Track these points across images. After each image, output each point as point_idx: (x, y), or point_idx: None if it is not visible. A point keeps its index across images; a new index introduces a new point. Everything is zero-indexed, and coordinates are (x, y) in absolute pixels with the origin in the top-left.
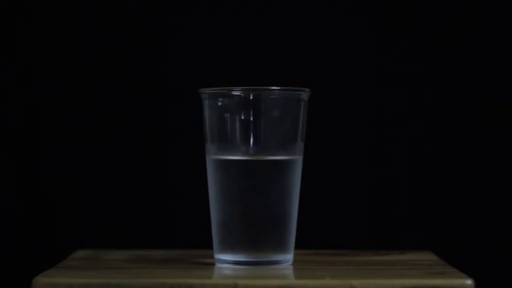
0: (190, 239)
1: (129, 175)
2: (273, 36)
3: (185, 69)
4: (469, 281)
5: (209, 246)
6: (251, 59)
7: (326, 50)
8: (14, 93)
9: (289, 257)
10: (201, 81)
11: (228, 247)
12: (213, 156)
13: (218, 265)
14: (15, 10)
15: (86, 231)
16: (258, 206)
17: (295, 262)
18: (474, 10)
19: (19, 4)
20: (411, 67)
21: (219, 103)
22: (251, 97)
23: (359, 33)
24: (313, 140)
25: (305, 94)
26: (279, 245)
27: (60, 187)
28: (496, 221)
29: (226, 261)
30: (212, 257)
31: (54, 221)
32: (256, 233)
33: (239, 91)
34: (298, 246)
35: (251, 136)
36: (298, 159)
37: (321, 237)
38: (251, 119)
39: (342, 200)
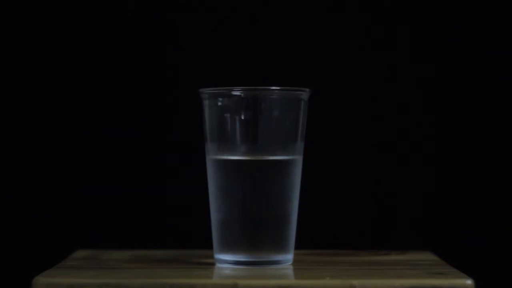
0: (190, 239)
1: (129, 175)
2: (273, 36)
3: (185, 69)
4: (469, 281)
5: (209, 246)
6: (251, 59)
7: (326, 50)
8: (14, 93)
9: (289, 257)
10: (201, 81)
11: (228, 247)
12: (213, 156)
13: (218, 265)
14: (15, 10)
15: (86, 231)
16: (258, 206)
17: (295, 262)
18: (475, 10)
19: (19, 4)
20: (411, 67)
21: (219, 103)
22: (251, 97)
23: (359, 33)
24: (313, 140)
25: (305, 94)
26: (279, 245)
27: (60, 187)
28: (496, 221)
29: (226, 261)
30: (212, 257)
31: (54, 221)
32: (256, 233)
33: (239, 91)
34: (298, 246)
35: (251, 136)
36: (298, 159)
37: (321, 237)
38: (251, 119)
39: (342, 200)
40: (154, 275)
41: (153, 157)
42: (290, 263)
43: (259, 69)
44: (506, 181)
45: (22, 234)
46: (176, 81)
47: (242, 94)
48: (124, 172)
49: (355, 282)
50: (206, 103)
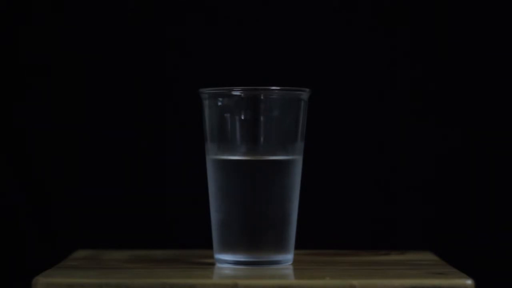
0: (190, 239)
1: (129, 175)
2: (273, 36)
3: (185, 69)
4: (469, 281)
5: (209, 246)
6: (251, 59)
7: (326, 50)
8: (14, 93)
9: (289, 257)
10: (201, 81)
11: (228, 247)
12: (213, 156)
13: (218, 265)
14: (15, 10)
15: (86, 231)
16: (258, 206)
17: (295, 262)
18: (475, 10)
19: (19, 4)
20: (411, 67)
21: (219, 103)
22: (251, 97)
23: (359, 33)
24: (313, 140)
25: (305, 94)
26: (279, 245)
27: (60, 187)
28: (496, 221)
29: (226, 261)
30: (212, 257)
31: (54, 221)
32: (256, 233)
33: (239, 91)
34: (298, 246)
35: (251, 136)
36: (298, 159)
37: (321, 237)
38: (251, 119)
39: (342, 200)
40: (154, 275)
41: (153, 157)
42: (290, 263)
43: (259, 69)
44: (506, 181)
45: (22, 234)
46: (176, 81)
47: (242, 94)
48: (124, 172)
49: (355, 282)
50: (206, 103)
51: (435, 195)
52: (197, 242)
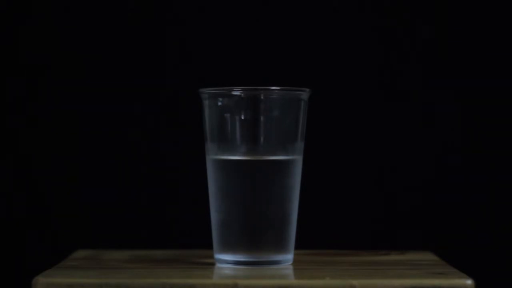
0: (190, 239)
1: (129, 175)
2: (273, 36)
3: (185, 69)
4: (469, 281)
5: (209, 246)
6: (251, 59)
7: (326, 50)
8: (14, 93)
9: (289, 257)
10: (201, 81)
11: (228, 247)
12: (213, 156)
13: (218, 265)
14: (15, 10)
15: (86, 231)
16: (258, 206)
17: (295, 262)
18: (475, 9)
19: (19, 4)
20: (411, 67)
21: (219, 103)
22: (251, 97)
23: (359, 33)
24: (313, 140)
25: (305, 94)
26: (279, 245)
27: (60, 187)
28: (496, 221)
29: (226, 261)
30: (212, 257)
31: (54, 221)
32: (256, 233)
33: (239, 91)
34: (298, 246)
35: (251, 136)
36: (298, 159)
37: (321, 237)
38: (251, 119)
39: (342, 200)
40: (154, 275)
41: (153, 157)
42: (290, 263)
43: (259, 69)
44: (506, 181)
45: (22, 234)
46: (176, 81)
47: (242, 94)
48: (124, 172)
49: (355, 282)
50: (206, 103)
51: (435, 195)
52: (197, 242)
